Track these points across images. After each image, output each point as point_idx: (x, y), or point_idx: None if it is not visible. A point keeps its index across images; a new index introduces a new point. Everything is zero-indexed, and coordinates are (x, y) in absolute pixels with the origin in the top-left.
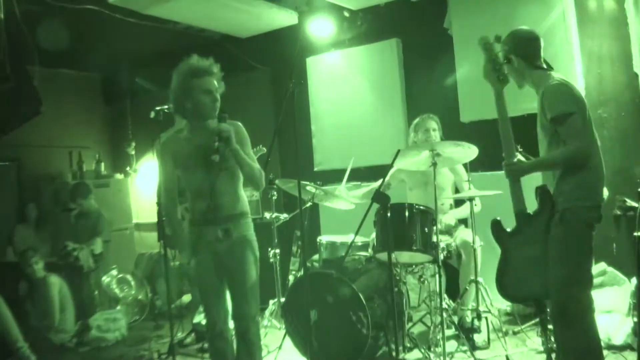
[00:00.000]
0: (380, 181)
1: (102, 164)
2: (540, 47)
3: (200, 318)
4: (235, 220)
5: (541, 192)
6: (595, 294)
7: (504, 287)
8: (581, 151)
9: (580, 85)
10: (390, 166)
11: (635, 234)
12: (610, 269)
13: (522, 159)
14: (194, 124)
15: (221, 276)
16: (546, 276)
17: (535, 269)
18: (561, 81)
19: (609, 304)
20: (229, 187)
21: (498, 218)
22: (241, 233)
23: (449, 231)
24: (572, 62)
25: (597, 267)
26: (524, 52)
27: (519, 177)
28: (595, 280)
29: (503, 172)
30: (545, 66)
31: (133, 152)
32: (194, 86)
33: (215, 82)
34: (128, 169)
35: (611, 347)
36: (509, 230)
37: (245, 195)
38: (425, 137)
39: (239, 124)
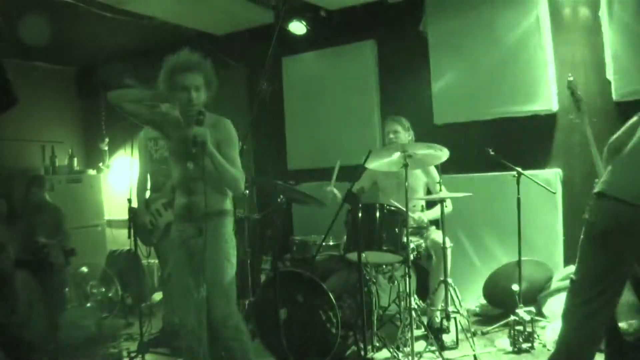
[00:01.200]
0: (359, 183)
1: (75, 159)
2: None
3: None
4: (209, 219)
5: None
6: (564, 296)
7: None
8: None
9: (553, 92)
10: (362, 166)
11: None
12: None
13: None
14: (182, 117)
15: (195, 275)
16: None
17: None
18: None
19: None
20: (208, 184)
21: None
22: (215, 232)
23: (420, 229)
24: (545, 68)
25: (567, 270)
26: None
27: None
28: (565, 283)
29: (474, 174)
30: None
31: (106, 148)
32: (173, 81)
33: (200, 79)
34: (101, 164)
35: None
36: None
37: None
38: (388, 139)
39: (227, 121)
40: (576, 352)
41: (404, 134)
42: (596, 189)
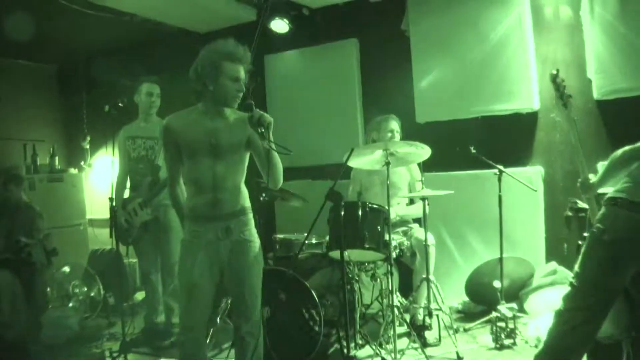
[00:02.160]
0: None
1: (57, 158)
2: None
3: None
4: (236, 217)
5: None
6: (546, 292)
7: None
8: None
9: (534, 90)
10: (344, 164)
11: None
12: (560, 269)
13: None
14: (210, 108)
15: (215, 279)
16: None
17: None
18: None
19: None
20: (233, 180)
21: None
22: (242, 231)
23: (400, 225)
24: (527, 67)
25: (548, 267)
26: None
27: None
28: (546, 280)
29: (456, 172)
30: None
31: (88, 147)
32: (223, 69)
33: (243, 72)
34: (82, 163)
35: None
36: None
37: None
38: (388, 137)
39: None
40: (564, 356)
41: (398, 134)
42: (611, 195)
